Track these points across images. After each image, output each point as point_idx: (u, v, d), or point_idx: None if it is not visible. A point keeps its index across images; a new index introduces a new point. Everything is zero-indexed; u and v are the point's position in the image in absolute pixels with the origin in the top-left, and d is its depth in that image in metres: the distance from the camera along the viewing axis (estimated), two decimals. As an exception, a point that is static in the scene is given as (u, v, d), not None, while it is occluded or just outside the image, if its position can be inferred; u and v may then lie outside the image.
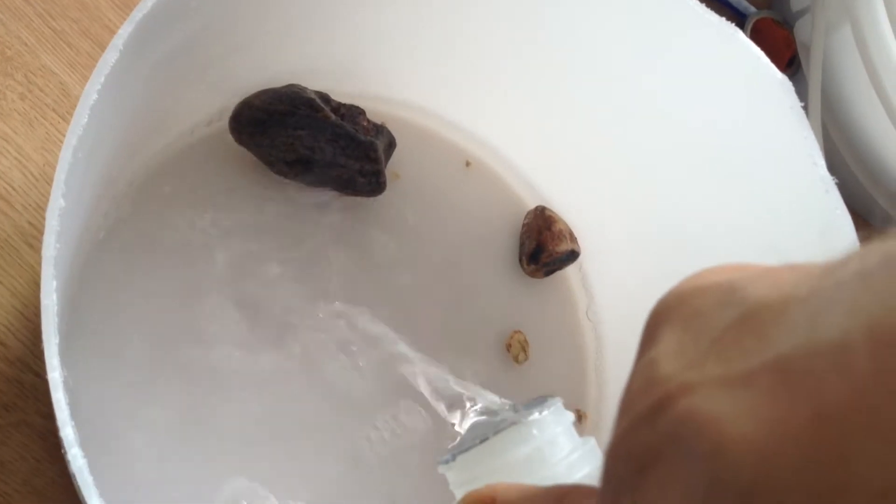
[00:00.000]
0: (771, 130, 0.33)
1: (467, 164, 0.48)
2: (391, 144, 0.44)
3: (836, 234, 0.31)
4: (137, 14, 0.28)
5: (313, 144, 0.41)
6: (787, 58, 0.57)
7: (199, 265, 0.39)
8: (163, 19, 0.29)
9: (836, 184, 0.31)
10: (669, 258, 0.43)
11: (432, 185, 0.46)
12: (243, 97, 0.41)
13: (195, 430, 0.35)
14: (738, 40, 0.33)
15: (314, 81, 0.43)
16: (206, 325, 0.38)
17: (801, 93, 0.58)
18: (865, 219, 0.59)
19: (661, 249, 0.43)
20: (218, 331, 0.38)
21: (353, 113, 0.43)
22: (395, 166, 0.46)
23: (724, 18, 0.33)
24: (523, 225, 0.47)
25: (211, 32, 0.34)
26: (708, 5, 0.59)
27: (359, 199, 0.44)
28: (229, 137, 0.41)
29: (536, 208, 0.47)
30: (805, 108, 0.53)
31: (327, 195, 0.43)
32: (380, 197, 0.44)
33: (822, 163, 0.32)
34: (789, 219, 0.33)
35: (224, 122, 0.41)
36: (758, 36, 0.57)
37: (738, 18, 0.59)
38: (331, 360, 0.39)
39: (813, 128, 0.53)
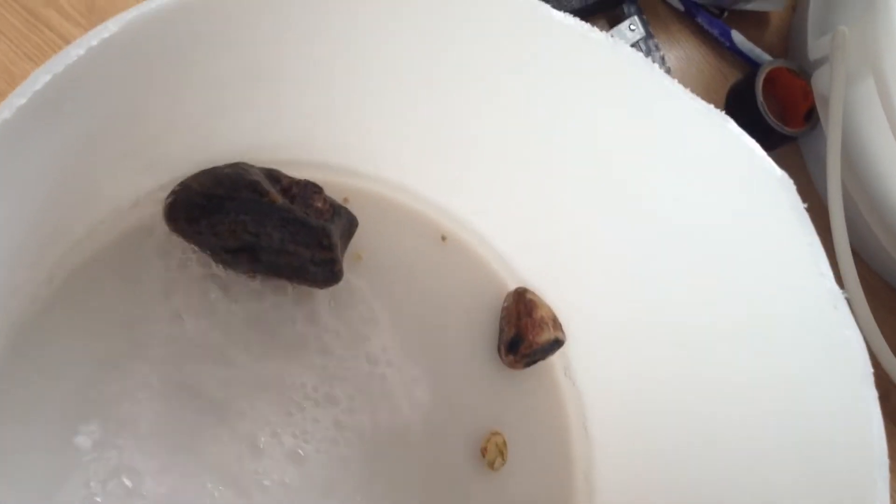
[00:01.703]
0: (770, 234, 0.28)
1: (442, 238, 0.43)
2: (352, 225, 0.40)
3: (845, 355, 0.26)
4: (24, 92, 0.23)
5: (259, 230, 0.36)
6: (805, 110, 0.52)
7: (130, 366, 0.35)
8: (58, 96, 0.24)
9: (846, 298, 0.26)
10: (665, 349, 0.38)
11: (400, 265, 0.42)
12: (184, 177, 0.37)
13: None
14: (730, 131, 0.28)
15: (268, 155, 0.39)
16: (133, 433, 0.34)
17: (820, 149, 0.53)
18: (894, 287, 0.53)
19: (656, 340, 0.38)
20: (148, 439, 0.34)
21: (306, 192, 0.39)
22: (359, 246, 0.41)
23: (712, 105, 0.28)
24: (502, 309, 0.42)
25: (132, 110, 0.30)
26: (721, 53, 0.55)
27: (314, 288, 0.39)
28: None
29: (517, 290, 0.42)
30: (824, 165, 0.48)
31: (278, 285, 0.39)
32: (340, 283, 0.39)
33: (828, 272, 0.27)
34: (793, 335, 0.28)
35: (160, 205, 0.37)
36: (772, 86, 0.52)
37: (752, 67, 0.54)
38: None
39: (832, 188, 0.48)
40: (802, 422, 0.28)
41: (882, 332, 0.48)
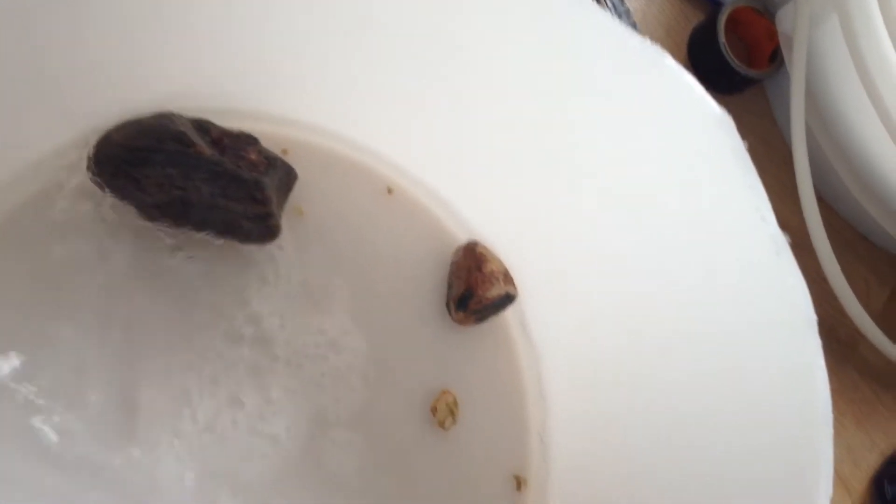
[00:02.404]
0: (709, 176, 0.26)
1: (389, 190, 0.41)
2: (290, 177, 0.38)
3: (789, 304, 0.25)
4: None
5: (186, 184, 0.34)
6: (770, 51, 0.50)
7: (45, 337, 0.34)
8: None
9: (790, 244, 0.25)
10: (618, 303, 0.36)
11: (344, 219, 0.40)
12: (106, 127, 0.35)
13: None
14: (667, 66, 0.26)
15: (198, 103, 0.37)
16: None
17: (785, 91, 0.51)
18: (863, 234, 0.52)
19: (609, 293, 0.37)
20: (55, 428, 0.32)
21: (239, 144, 0.37)
22: (300, 200, 0.39)
23: (647, 40, 0.26)
24: (452, 263, 0.41)
25: (24, 53, 0.28)
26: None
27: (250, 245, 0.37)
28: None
29: (467, 244, 0.41)
30: (789, 108, 0.46)
31: (212, 242, 0.37)
32: (280, 238, 0.37)
33: (771, 218, 0.25)
34: (734, 284, 0.27)
35: (83, 157, 0.35)
36: (735, 27, 0.50)
37: (715, 8, 0.52)
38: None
39: (796, 131, 0.46)
40: (747, 374, 0.26)
41: (849, 279, 0.47)
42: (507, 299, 0.39)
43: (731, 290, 0.27)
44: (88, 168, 0.34)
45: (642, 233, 0.30)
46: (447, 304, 0.40)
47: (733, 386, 0.27)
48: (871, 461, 0.48)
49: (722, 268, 0.27)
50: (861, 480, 0.48)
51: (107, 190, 0.35)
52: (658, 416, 0.31)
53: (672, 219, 0.28)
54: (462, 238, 0.41)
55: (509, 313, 0.41)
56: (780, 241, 0.25)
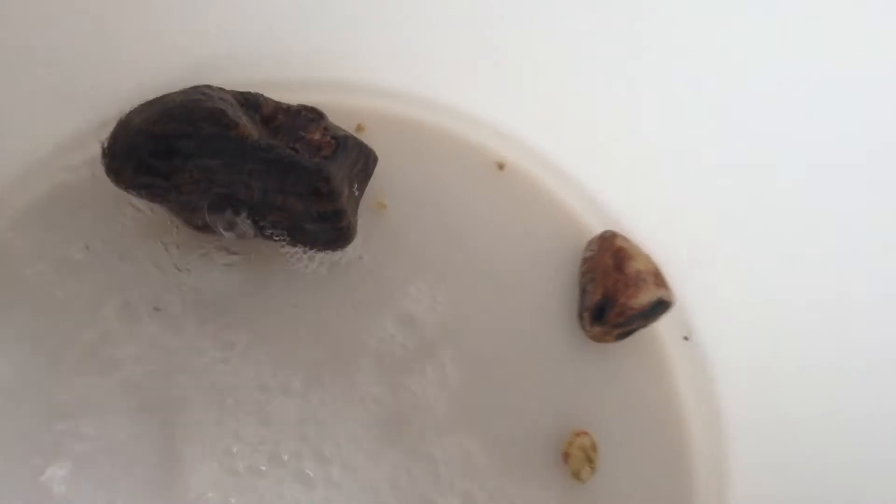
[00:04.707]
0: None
1: (499, 166, 0.32)
2: (367, 161, 0.29)
3: None
4: None
5: (232, 179, 0.26)
6: None
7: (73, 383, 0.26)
8: None
9: None
10: (811, 303, 0.26)
11: (439, 211, 0.31)
12: (126, 110, 0.27)
13: None
14: None
15: (247, 74, 0.29)
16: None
17: None
18: None
19: (797, 292, 0.26)
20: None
21: (298, 121, 0.28)
22: (382, 190, 0.31)
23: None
24: (583, 260, 0.31)
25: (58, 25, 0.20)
26: None
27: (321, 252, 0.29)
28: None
29: (603, 234, 0.31)
30: None
31: (271, 251, 0.29)
32: (354, 242, 0.29)
33: None
34: None
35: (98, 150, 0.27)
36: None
37: None
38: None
39: None
40: None
41: None
42: (660, 307, 0.29)
43: None
44: (105, 164, 0.27)
45: (822, 205, 0.20)
46: (580, 316, 0.30)
47: None
48: None
49: None
50: None
51: (128, 188, 0.27)
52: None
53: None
54: (595, 227, 0.31)
55: (663, 325, 0.31)
56: None
